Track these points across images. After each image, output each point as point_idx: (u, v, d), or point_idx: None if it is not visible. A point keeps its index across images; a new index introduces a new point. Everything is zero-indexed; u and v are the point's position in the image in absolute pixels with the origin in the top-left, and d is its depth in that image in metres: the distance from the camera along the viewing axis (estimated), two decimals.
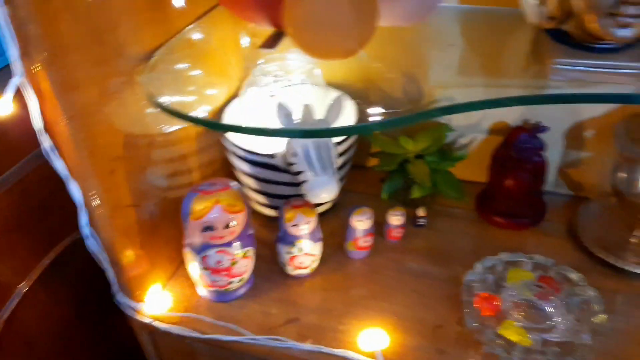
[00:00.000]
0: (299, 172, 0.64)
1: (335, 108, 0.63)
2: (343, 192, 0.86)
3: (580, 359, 0.58)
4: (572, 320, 0.62)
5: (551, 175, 0.83)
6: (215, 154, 0.80)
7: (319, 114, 0.64)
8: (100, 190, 0.56)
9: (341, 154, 0.75)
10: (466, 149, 0.81)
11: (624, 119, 0.68)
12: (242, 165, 0.74)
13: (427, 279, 0.72)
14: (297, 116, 0.62)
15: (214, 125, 0.68)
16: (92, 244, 0.59)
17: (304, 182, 0.64)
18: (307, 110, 0.62)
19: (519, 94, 0.52)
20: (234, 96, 0.78)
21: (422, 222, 0.80)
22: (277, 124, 0.61)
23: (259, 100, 0.73)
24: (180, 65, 0.68)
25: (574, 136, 0.79)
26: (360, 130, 0.66)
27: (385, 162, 0.81)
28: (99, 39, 0.53)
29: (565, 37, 0.51)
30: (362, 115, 0.75)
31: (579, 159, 0.81)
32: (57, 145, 0.52)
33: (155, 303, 0.68)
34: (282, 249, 0.70)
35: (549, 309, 0.64)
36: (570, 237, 0.77)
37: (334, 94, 0.75)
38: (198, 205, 0.61)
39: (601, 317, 0.62)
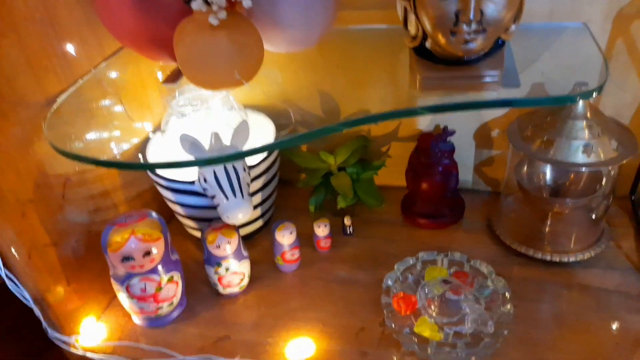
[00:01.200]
0: (213, 196, 0.67)
1: (240, 132, 0.66)
2: (276, 208, 0.90)
3: (488, 346, 0.62)
4: (482, 311, 0.66)
5: (469, 174, 0.88)
6: (144, 186, 0.83)
7: (227, 139, 0.67)
8: (12, 233, 0.58)
9: (262, 173, 0.78)
10: (386, 157, 0.85)
11: (517, 119, 0.73)
12: (167, 194, 0.77)
13: (354, 285, 0.76)
14: (205, 144, 0.65)
15: (118, 165, 0.70)
16: (12, 285, 0.61)
17: (218, 205, 0.67)
18: (215, 137, 0.66)
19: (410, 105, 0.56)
20: (157, 128, 0.81)
21: (349, 230, 0.84)
22: (185, 156, 0.64)
23: (178, 131, 0.76)
24: (95, 104, 0.71)
25: (483, 137, 0.83)
26: (263, 150, 0.70)
27: (310, 177, 0.84)
28: None
29: (430, 53, 0.55)
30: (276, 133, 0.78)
31: (491, 157, 0.85)
32: None
33: (90, 335, 0.71)
34: (210, 270, 0.73)
35: (461, 302, 0.67)
36: (489, 232, 0.82)
37: (249, 117, 0.78)
38: (115, 238, 0.63)
39: (508, 306, 0.66)
